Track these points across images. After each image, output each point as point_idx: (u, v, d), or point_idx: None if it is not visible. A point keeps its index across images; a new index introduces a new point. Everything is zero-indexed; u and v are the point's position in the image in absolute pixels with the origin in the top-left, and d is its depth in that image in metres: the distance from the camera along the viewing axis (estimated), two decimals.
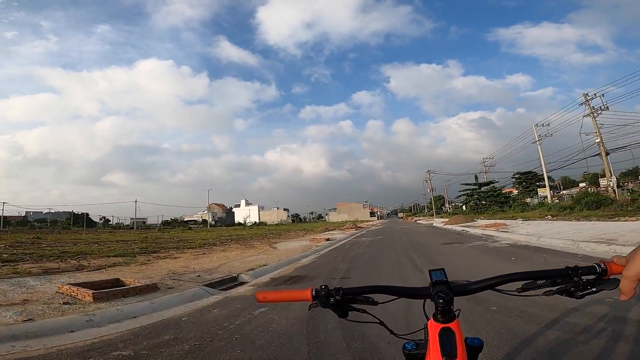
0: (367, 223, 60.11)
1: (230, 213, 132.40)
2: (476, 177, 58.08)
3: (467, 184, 58.15)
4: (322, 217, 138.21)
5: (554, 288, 0.82)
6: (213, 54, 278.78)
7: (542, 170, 39.33)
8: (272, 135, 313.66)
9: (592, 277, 0.79)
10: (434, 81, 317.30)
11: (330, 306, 0.88)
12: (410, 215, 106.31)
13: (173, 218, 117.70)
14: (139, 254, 12.50)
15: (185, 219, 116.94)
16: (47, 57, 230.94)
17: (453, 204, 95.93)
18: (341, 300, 0.88)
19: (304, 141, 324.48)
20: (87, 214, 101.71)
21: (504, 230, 16.20)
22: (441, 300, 0.78)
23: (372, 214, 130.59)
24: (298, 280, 6.95)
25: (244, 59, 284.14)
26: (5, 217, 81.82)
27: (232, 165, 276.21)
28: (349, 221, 49.28)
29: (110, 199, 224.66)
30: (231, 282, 6.99)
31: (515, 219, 24.42)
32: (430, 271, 0.87)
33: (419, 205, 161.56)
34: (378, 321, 0.97)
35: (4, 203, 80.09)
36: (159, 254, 12.60)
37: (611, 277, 0.77)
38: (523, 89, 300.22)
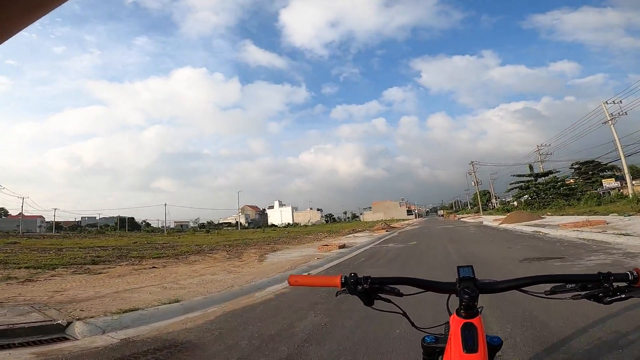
0: (402, 222, 53.74)
1: (263, 214, 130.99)
2: (531, 167, 49.56)
3: (520, 175, 49.78)
4: (357, 217, 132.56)
5: (583, 293, 0.83)
6: (242, 59, 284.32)
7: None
8: (305, 137, 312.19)
9: (624, 284, 0.79)
10: (469, 73, 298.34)
11: (357, 293, 0.91)
12: (451, 213, 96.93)
13: (209, 221, 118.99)
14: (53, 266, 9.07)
15: (221, 222, 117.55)
16: (92, 71, 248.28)
17: (500, 199, 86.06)
18: (369, 288, 0.91)
19: (337, 141, 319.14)
20: (133, 218, 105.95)
21: (617, 231, 10.03)
22: (466, 296, 0.80)
23: (409, 212, 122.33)
24: None
25: (272, 62, 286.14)
26: (58, 222, 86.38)
27: (268, 168, 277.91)
28: (382, 220, 43.46)
29: (159, 203, 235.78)
30: (43, 333, 3.57)
31: (607, 213, 17.63)
32: (458, 267, 0.89)
33: (460, 202, 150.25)
34: (401, 312, 0.99)
35: (55, 209, 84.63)
36: (77, 269, 8.70)
37: None
38: (570, 76, 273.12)
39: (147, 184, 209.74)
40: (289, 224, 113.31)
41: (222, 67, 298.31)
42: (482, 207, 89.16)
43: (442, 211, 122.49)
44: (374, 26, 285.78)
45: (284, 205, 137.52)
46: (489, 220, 30.57)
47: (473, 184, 54.94)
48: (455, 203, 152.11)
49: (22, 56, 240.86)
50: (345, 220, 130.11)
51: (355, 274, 0.93)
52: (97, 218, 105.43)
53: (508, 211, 53.34)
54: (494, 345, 0.85)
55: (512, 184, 50.79)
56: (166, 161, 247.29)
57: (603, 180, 47.63)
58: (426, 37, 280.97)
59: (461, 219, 47.83)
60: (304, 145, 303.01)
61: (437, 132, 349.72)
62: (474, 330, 0.76)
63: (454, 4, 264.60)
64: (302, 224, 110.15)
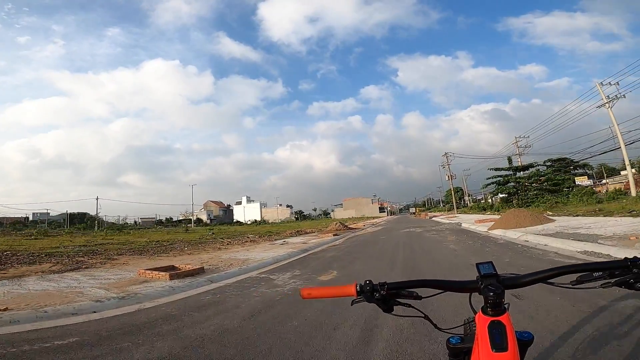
0: (367, 221, 46.49)
1: (228, 211, 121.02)
2: (510, 160, 43.64)
3: (498, 169, 43.71)
4: (328, 214, 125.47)
5: (612, 280, 0.78)
6: (215, 51, 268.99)
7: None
8: (281, 133, 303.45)
9: None
10: (444, 73, 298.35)
11: (375, 301, 0.87)
12: (423, 211, 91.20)
13: (168, 217, 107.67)
14: None
15: (181, 218, 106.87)
16: (56, 61, 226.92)
17: (472, 197, 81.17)
18: (386, 294, 0.86)
19: (313, 138, 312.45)
20: (85, 214, 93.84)
21: None
22: (492, 294, 0.76)
23: (381, 209, 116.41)
24: None
25: (247, 56, 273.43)
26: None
27: (243, 164, 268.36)
28: (337, 221, 35.90)
29: (127, 199, 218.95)
30: None
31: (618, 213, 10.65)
32: (477, 264, 0.85)
33: (433, 199, 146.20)
34: (423, 315, 0.94)
35: None
36: None
37: None
38: (537, 79, 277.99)
39: (112, 178, 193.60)
40: (255, 220, 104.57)
41: (195, 60, 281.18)
42: (457, 205, 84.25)
43: (413, 208, 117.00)
44: (352, 22, 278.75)
45: (252, 201, 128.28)
46: (467, 220, 23.48)
47: (447, 178, 48.28)
48: (427, 200, 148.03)
49: None
50: (315, 217, 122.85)
51: (370, 280, 0.88)
52: (50, 214, 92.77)
53: (483, 209, 47.46)
54: (524, 341, 0.81)
55: (489, 178, 44.67)
56: (133, 155, 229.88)
57: (575, 177, 45.23)
58: (404, 36, 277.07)
59: (433, 218, 41.01)
60: (279, 141, 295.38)
61: (412, 131, 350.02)
62: (502, 328, 0.72)
63: (432, 4, 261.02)
64: (270, 221, 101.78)
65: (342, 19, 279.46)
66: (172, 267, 7.75)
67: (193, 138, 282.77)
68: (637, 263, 0.76)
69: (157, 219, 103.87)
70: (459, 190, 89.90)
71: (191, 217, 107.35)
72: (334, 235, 18.89)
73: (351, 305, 0.92)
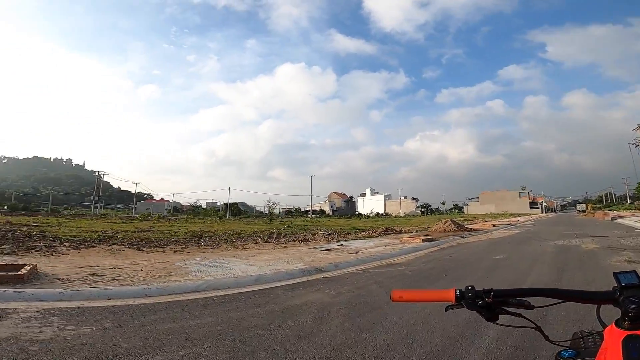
0: (509, 219, 34.12)
1: (351, 203, 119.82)
2: None
3: None
4: (461, 208, 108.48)
5: None
6: (332, 49, 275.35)
7: None
8: (409, 124, 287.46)
9: None
10: (614, 43, 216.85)
11: (477, 308, 0.78)
12: (599, 208, 65.08)
13: (296, 208, 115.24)
14: None
15: (307, 209, 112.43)
16: (213, 74, 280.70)
17: None
18: (492, 302, 0.78)
19: (446, 127, 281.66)
20: (236, 204, 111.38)
21: None
22: (634, 306, 0.67)
23: (533, 204, 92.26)
24: None
25: (363, 49, 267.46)
26: (177, 206, 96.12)
27: (372, 156, 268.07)
28: (487, 215, 26.94)
29: (276, 191, 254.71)
30: None
31: None
32: (616, 274, 0.76)
33: (614, 194, 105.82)
34: (535, 326, 0.84)
35: (173, 194, 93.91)
36: None
37: None
38: None
39: (263, 173, 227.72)
40: (378, 213, 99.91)
41: (319, 61, 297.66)
42: None
43: (582, 205, 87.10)
44: (470, 0, 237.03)
45: (377, 193, 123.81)
46: None
47: None
48: (606, 196, 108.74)
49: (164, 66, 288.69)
50: (446, 212, 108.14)
51: (472, 286, 0.80)
52: (218, 203, 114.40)
53: None
54: None
55: None
56: (278, 152, 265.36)
57: None
58: (543, 7, 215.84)
59: (619, 219, 26.27)
60: (408, 133, 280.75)
61: (578, 112, 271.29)
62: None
63: None
64: (393, 215, 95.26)
65: None
66: None
67: (325, 134, 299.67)
68: None
69: (286, 209, 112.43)
70: None
71: (311, 209, 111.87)
72: (425, 241, 11.90)
73: (445, 310, 0.84)
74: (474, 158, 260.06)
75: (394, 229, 18.63)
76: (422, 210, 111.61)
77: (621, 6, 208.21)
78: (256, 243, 11.32)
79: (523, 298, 0.79)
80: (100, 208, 68.31)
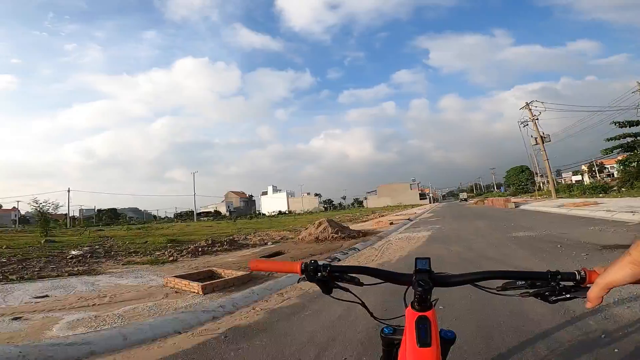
0: (405, 211, 29.45)
1: (250, 202, 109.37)
2: None
3: (626, 123, 25.19)
4: (362, 202, 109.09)
5: (531, 290, 0.77)
6: (239, 44, 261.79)
7: None
8: (314, 123, 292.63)
9: (570, 283, 0.74)
10: (481, 52, 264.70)
11: (316, 281, 0.84)
12: (479, 198, 70.58)
13: (188, 210, 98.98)
14: None
15: (200, 211, 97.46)
16: (94, 65, 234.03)
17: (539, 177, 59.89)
18: (327, 276, 0.84)
19: (346, 126, 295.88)
20: (115, 209, 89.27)
21: None
22: (420, 289, 0.74)
23: (422, 196, 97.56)
24: None
25: (270, 47, 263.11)
26: (45, 215, 69.30)
27: (279, 155, 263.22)
28: (384, 207, 20.07)
29: (176, 193, 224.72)
30: None
31: None
32: (416, 259, 0.82)
33: (482, 185, 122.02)
34: (360, 302, 0.93)
35: (18, 201, 66.43)
36: None
37: (588, 285, 0.70)
38: (591, 55, 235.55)
39: (160, 174, 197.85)
40: (280, 211, 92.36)
41: (223, 56, 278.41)
42: (525, 189, 63.69)
43: (464, 194, 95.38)
44: (374, 5, 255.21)
45: (279, 190, 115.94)
46: None
47: (533, 141, 29.51)
48: (475, 186, 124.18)
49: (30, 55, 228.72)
50: (346, 207, 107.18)
51: (315, 261, 0.86)
52: (95, 210, 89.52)
53: (600, 191, 29.04)
54: (447, 340, 0.81)
55: (611, 139, 26.02)
56: (177, 151, 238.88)
57: None
58: (431, 16, 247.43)
59: (524, 206, 23.54)
60: (312, 131, 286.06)
61: (450, 114, 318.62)
62: (428, 323, 0.70)
63: None
64: (297, 212, 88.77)
65: (363, 2, 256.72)
66: None
67: (230, 133, 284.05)
68: (556, 277, 0.73)
69: (177, 212, 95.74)
70: (524, 170, 69.04)
71: (205, 210, 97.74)
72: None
73: (297, 282, 0.94)
74: (371, 155, 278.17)
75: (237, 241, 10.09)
76: (325, 206, 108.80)
77: (488, 17, 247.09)
78: None
79: (354, 275, 0.84)
80: None
